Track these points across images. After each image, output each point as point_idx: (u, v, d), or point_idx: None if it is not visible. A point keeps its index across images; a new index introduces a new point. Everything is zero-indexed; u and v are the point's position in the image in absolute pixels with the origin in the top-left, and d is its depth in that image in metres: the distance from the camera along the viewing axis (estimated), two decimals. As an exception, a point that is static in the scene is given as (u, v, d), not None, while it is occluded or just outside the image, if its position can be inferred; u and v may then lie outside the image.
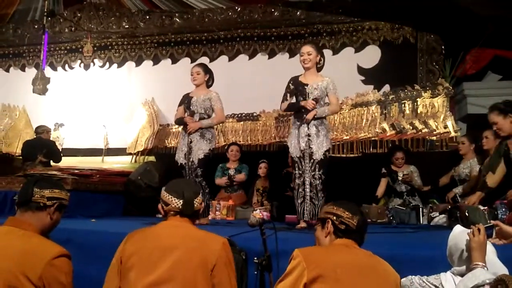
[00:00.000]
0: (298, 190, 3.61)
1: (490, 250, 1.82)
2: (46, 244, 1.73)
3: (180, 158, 4.02)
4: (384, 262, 1.74)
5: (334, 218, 1.79)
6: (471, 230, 1.80)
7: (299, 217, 3.64)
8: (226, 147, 5.66)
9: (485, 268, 1.68)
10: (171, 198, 1.87)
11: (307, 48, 3.75)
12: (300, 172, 3.62)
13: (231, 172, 5.32)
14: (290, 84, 3.79)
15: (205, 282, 1.68)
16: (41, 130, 6.05)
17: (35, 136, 6.15)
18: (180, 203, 1.85)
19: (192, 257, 1.70)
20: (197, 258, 1.70)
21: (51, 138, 6.29)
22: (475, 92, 5.58)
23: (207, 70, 4.17)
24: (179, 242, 1.75)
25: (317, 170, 3.57)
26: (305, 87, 3.68)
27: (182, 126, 4.19)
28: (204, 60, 6.67)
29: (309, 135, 3.61)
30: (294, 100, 3.81)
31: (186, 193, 1.87)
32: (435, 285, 1.82)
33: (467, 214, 3.05)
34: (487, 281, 1.56)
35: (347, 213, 1.78)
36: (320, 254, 1.71)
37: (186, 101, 4.11)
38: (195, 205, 1.89)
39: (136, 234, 1.84)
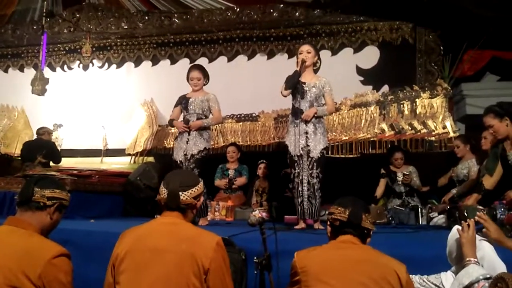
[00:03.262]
0: (298, 189, 3.61)
1: (489, 247, 1.82)
2: (46, 243, 1.73)
3: (178, 156, 4.02)
4: (386, 256, 1.71)
5: (330, 217, 1.82)
6: (461, 226, 1.81)
7: (298, 216, 3.64)
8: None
9: (478, 264, 1.69)
10: (162, 188, 1.81)
11: (306, 47, 3.77)
12: (298, 171, 3.62)
13: (231, 172, 5.32)
14: (292, 74, 3.70)
15: (200, 287, 1.62)
16: (42, 132, 6.04)
17: (35, 137, 6.13)
18: (165, 194, 1.78)
19: (185, 262, 1.62)
20: (190, 263, 1.62)
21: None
22: (474, 92, 5.60)
23: (205, 74, 4.19)
24: (170, 243, 1.66)
25: (314, 168, 3.57)
26: (303, 85, 3.69)
27: None
28: (203, 60, 6.69)
29: (306, 133, 3.62)
30: (292, 100, 3.78)
31: (171, 184, 1.78)
32: (435, 284, 1.83)
33: (465, 214, 3.05)
34: (481, 277, 1.57)
35: (338, 208, 1.78)
36: (313, 255, 1.72)
37: (183, 102, 4.13)
38: (182, 198, 1.77)
39: (127, 234, 1.77)
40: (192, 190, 1.80)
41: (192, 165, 3.94)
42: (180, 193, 1.77)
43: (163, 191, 1.80)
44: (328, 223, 1.84)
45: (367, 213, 1.79)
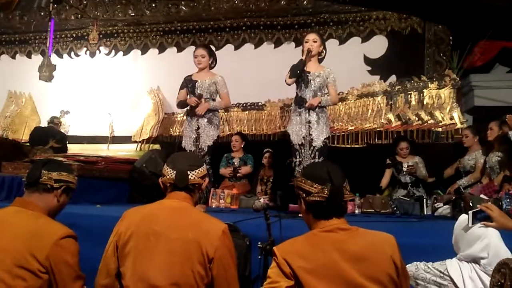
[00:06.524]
0: None
1: (495, 234, 1.82)
2: (53, 224, 1.75)
3: (188, 144, 4.00)
4: (379, 236, 1.53)
5: (304, 195, 1.53)
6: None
7: (301, 205, 3.65)
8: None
9: None
10: (167, 169, 1.80)
11: (312, 36, 3.75)
12: (300, 159, 3.61)
13: (236, 161, 5.33)
14: (297, 63, 3.69)
15: (205, 274, 1.63)
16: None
17: (48, 125, 6.31)
18: (173, 174, 1.77)
19: (190, 250, 1.63)
20: (195, 251, 1.63)
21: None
22: (483, 84, 5.54)
23: (211, 53, 4.09)
24: (176, 230, 1.66)
25: (316, 157, 3.57)
26: (307, 74, 3.67)
27: (187, 114, 4.17)
28: (210, 48, 6.67)
29: (309, 122, 3.61)
30: (296, 89, 3.77)
31: (179, 164, 1.79)
32: (440, 271, 1.84)
33: (471, 204, 3.04)
34: None
35: (315, 185, 1.50)
36: (302, 254, 1.47)
37: (189, 84, 4.03)
38: (190, 178, 1.77)
39: (131, 214, 1.76)
40: (199, 170, 1.82)
41: (203, 152, 3.92)
42: (188, 172, 1.78)
43: (169, 172, 1.79)
44: (302, 202, 1.54)
45: (345, 181, 1.53)
